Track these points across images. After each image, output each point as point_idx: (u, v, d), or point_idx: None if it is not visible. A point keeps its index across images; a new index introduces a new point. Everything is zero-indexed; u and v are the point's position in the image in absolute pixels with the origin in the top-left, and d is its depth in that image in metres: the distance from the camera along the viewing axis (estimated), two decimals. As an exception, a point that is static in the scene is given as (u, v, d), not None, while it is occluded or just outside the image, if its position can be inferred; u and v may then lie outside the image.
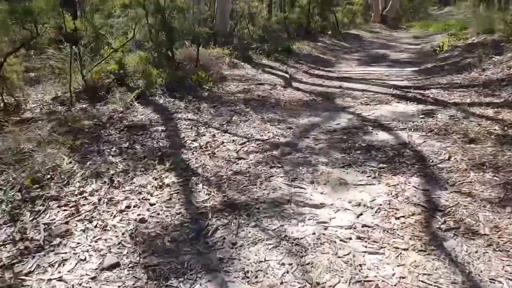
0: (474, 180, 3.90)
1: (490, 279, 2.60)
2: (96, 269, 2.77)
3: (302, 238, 3.11)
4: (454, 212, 3.37)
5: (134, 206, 3.56)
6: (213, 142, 5.13)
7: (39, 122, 5.37)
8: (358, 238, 3.10)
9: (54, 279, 2.68)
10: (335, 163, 4.51)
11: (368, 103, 7.18)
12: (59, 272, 2.74)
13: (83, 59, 7.02)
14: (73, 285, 2.61)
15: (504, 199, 3.53)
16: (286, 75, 9.80)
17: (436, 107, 6.58)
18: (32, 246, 3.00)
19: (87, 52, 7.44)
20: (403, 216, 3.36)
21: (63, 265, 2.82)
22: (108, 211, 3.49)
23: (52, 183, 3.85)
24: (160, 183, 3.95)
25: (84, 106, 6.16)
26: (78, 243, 3.06)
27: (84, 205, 3.57)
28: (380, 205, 3.57)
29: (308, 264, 2.80)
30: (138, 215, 3.44)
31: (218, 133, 5.47)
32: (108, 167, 4.20)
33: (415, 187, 3.86)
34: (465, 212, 3.36)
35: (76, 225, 3.29)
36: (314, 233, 3.16)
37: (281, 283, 2.62)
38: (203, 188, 3.92)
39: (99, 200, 3.63)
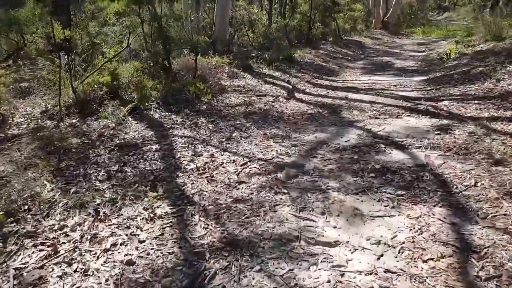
0: (510, 212, 3.43)
1: None
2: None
3: (315, 287, 2.65)
4: (492, 255, 2.90)
5: (121, 244, 3.09)
6: (211, 163, 4.67)
7: (24, 139, 4.93)
8: None
9: None
10: (348, 189, 4.05)
11: (377, 117, 6.73)
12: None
13: (75, 70, 6.59)
14: None
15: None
16: (288, 85, 9.35)
17: (452, 122, 6.14)
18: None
19: (81, 62, 7.03)
20: (432, 259, 2.89)
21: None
22: (91, 251, 3.02)
23: (29, 216, 3.39)
24: (152, 215, 3.49)
25: (74, 121, 5.72)
26: (53, 294, 2.61)
27: (64, 243, 3.11)
28: (403, 243, 3.10)
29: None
30: (125, 255, 2.98)
31: (217, 152, 5.02)
32: (94, 195, 3.74)
33: (441, 220, 3.40)
34: (505, 255, 2.89)
35: (53, 269, 2.82)
36: (329, 281, 2.70)
37: None
38: (199, 220, 3.46)
39: (82, 236, 3.17)
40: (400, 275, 2.74)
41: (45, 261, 2.89)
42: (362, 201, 3.82)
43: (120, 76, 6.74)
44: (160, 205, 3.68)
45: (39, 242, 3.10)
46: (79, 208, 3.55)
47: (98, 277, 2.76)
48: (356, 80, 10.95)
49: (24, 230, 3.20)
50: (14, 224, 3.27)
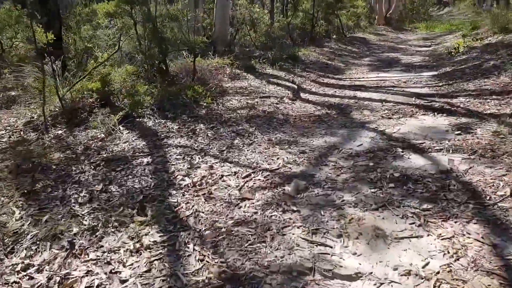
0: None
1: None
2: None
3: None
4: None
5: (97, 287, 2.57)
6: (209, 177, 4.15)
7: (2, 155, 4.44)
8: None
9: None
10: (366, 204, 3.52)
11: (390, 117, 6.20)
12: None
13: (63, 76, 6.11)
14: None
15: None
16: (293, 85, 8.80)
17: (471, 120, 5.61)
18: None
19: (74, 67, 6.56)
20: (477, 296, 2.37)
21: None
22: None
23: (-10, 253, 2.88)
24: (138, 245, 2.97)
25: (60, 132, 5.25)
26: None
27: None
28: (438, 273, 2.57)
29: None
30: (103, 300, 2.47)
31: (216, 163, 4.50)
32: (70, 222, 3.22)
33: (479, 241, 2.87)
34: None
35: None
36: (353, 329, 2.18)
37: None
38: (194, 249, 2.93)
39: (49, 279, 2.64)
40: (440, 318, 2.22)
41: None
42: (383, 218, 3.29)
43: (112, 81, 6.25)
44: (149, 232, 3.16)
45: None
46: (51, 240, 3.02)
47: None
48: (363, 77, 10.42)
49: (-18, 272, 2.70)
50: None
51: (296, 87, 8.69)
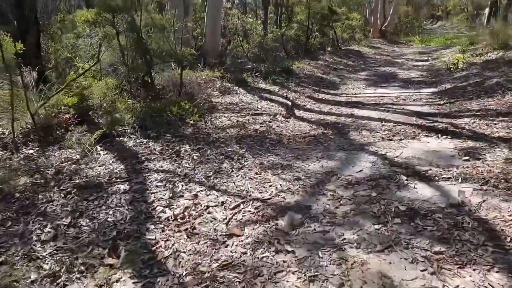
0: None
1: None
2: None
3: None
4: None
5: None
6: (193, 208, 3.69)
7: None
8: None
9: None
10: (369, 243, 3.09)
11: (391, 138, 5.79)
12: None
13: (38, 88, 5.64)
14: None
15: None
16: (287, 101, 8.38)
17: (479, 144, 5.22)
18: None
19: (55, 78, 6.09)
20: None
21: None
22: None
23: None
24: (105, 297, 2.52)
25: (31, 151, 4.77)
26: None
27: None
28: None
29: None
30: None
31: (201, 191, 4.04)
32: (28, 267, 2.75)
33: (505, 298, 2.45)
34: None
35: None
36: None
37: None
38: (172, 303, 2.49)
39: None
40: None
41: None
42: (390, 262, 2.86)
43: (92, 96, 5.80)
44: (120, 278, 2.70)
45: None
46: (2, 292, 2.57)
47: None
48: (360, 93, 10.03)
49: None
50: None
51: (290, 103, 8.28)
